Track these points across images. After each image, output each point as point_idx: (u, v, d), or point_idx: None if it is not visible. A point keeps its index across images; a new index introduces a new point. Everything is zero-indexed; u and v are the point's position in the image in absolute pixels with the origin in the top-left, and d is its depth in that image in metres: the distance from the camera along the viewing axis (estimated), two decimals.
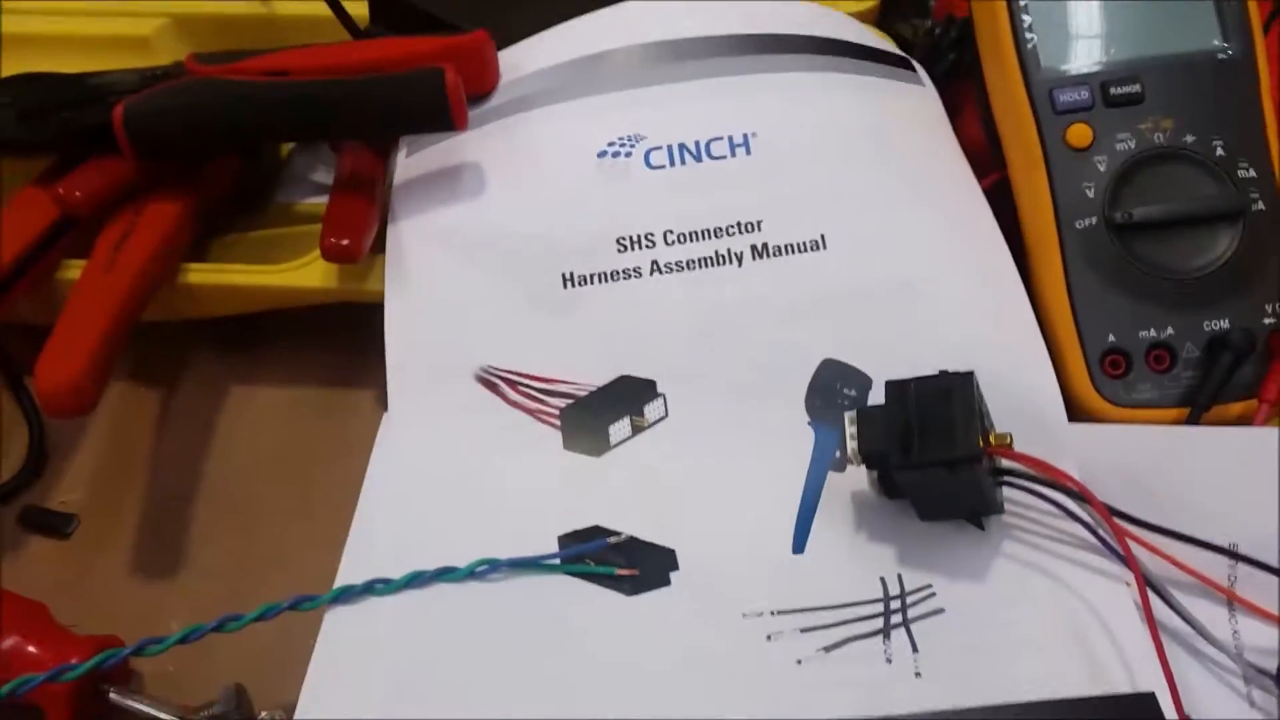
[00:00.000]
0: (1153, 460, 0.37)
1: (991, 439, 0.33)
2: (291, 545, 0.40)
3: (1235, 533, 0.36)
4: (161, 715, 0.35)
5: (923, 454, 0.32)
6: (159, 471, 0.44)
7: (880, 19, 0.55)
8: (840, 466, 0.37)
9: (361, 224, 0.42)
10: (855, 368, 0.39)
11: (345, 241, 0.41)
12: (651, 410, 0.39)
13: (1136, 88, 0.41)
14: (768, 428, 0.38)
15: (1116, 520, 0.33)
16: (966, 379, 0.33)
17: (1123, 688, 0.32)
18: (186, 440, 0.44)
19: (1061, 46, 0.42)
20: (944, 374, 0.33)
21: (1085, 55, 0.42)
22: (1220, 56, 0.41)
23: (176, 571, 0.41)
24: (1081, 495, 0.33)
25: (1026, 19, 0.41)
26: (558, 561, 0.36)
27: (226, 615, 0.34)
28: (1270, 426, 0.38)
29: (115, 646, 0.35)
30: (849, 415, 0.34)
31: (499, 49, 0.46)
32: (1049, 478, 0.33)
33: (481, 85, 0.45)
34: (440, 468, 0.38)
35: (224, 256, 0.47)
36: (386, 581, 0.35)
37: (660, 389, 0.39)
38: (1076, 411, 0.39)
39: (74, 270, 0.43)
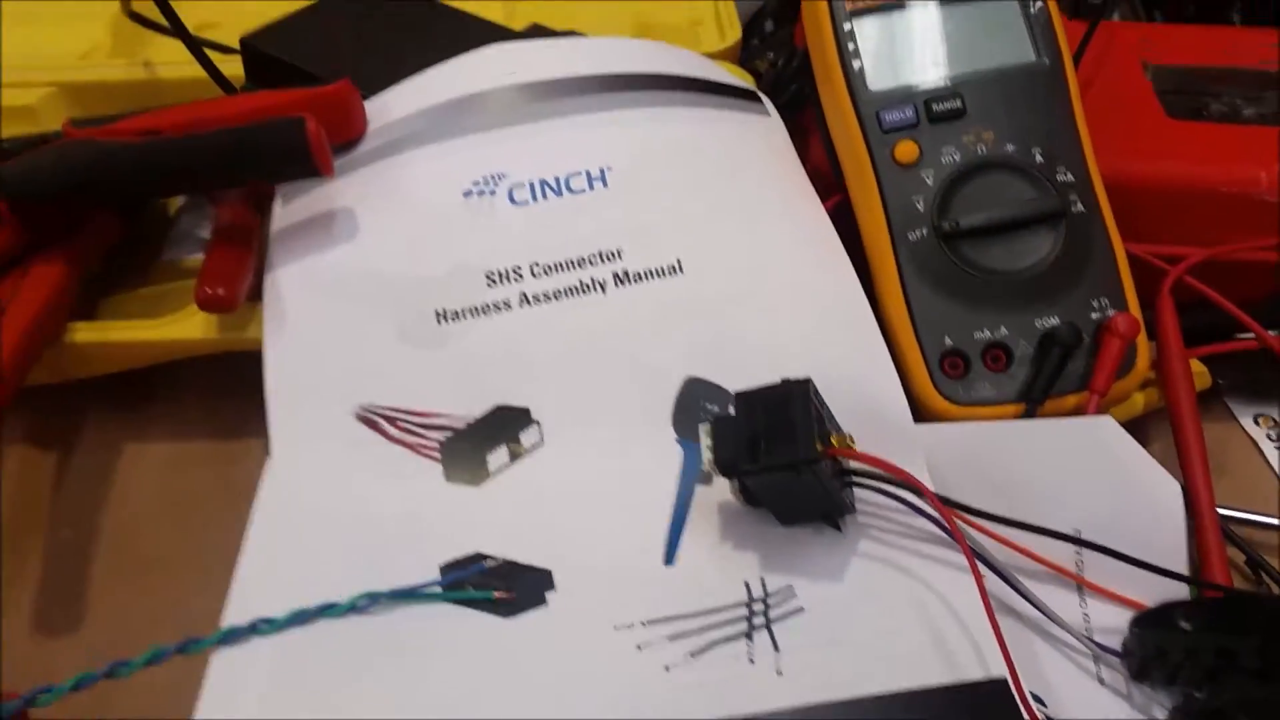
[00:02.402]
0: (997, 454, 0.37)
1: (833, 440, 0.32)
2: (185, 591, 0.39)
3: (1079, 519, 0.36)
4: None
5: (767, 458, 0.32)
6: (55, 528, 0.42)
7: (743, 56, 0.55)
8: (708, 480, 0.37)
9: (236, 273, 0.41)
10: (717, 384, 0.39)
11: (220, 290, 0.40)
12: (527, 437, 0.38)
13: (957, 103, 0.41)
14: (638, 447, 0.38)
15: (949, 508, 0.33)
16: (803, 385, 0.33)
17: (976, 674, 0.32)
18: (81, 497, 0.43)
19: (886, 68, 0.42)
20: (784, 382, 0.33)
21: (908, 75, 0.42)
22: (1034, 69, 0.42)
23: (75, 624, 0.39)
24: (916, 489, 0.33)
25: (852, 44, 0.42)
26: (438, 589, 0.35)
27: (116, 661, 0.32)
28: (1103, 415, 0.38)
29: (9, 699, 0.33)
30: (703, 427, 0.34)
31: (368, 97, 0.45)
32: (888, 474, 0.33)
33: (348, 132, 0.44)
34: (324, 507, 0.37)
35: (111, 315, 0.45)
36: (270, 621, 0.34)
37: (535, 416, 0.39)
38: (921, 412, 0.39)
39: None
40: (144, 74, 0.53)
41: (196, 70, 0.49)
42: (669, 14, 0.57)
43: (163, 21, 0.49)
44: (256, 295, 0.42)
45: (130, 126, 0.43)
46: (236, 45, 0.49)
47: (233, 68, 0.49)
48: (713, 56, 0.49)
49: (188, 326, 0.42)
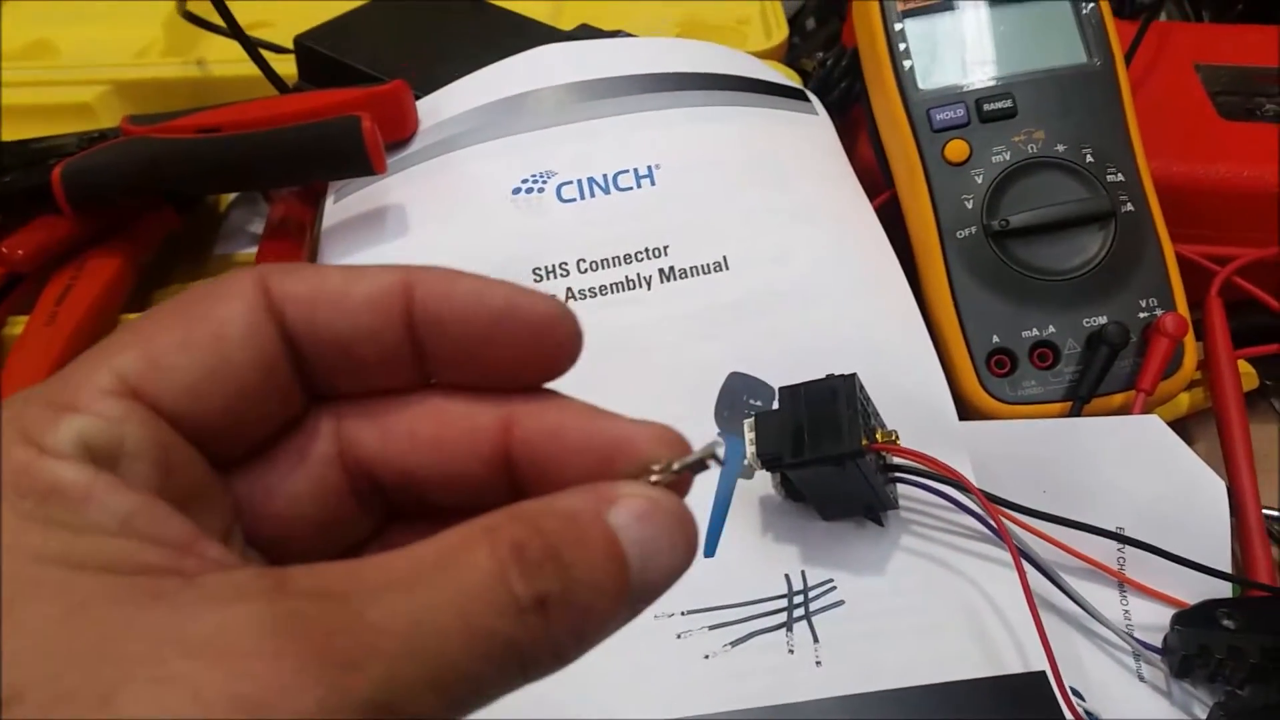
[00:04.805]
0: (1041, 452, 0.38)
1: (878, 436, 0.33)
2: None
3: (1122, 517, 0.37)
4: None
5: (812, 452, 0.33)
6: None
7: (789, 56, 0.56)
8: (749, 474, 0.38)
9: None
10: (759, 379, 0.40)
11: None
12: None
13: (1009, 103, 0.42)
14: None
15: (995, 505, 0.34)
16: (849, 380, 0.33)
17: (1015, 668, 0.33)
18: None
19: (937, 68, 0.43)
20: (830, 377, 0.34)
21: (959, 75, 0.43)
22: (1085, 70, 0.43)
23: None
24: (961, 484, 0.33)
25: (903, 44, 0.43)
26: None
27: None
28: (1149, 414, 0.39)
29: None
30: (747, 421, 0.35)
31: (421, 97, 0.47)
32: (932, 470, 0.34)
33: (401, 131, 0.46)
34: None
35: None
36: None
37: None
38: (967, 410, 0.40)
39: (18, 327, 0.43)
40: (198, 72, 0.55)
41: (249, 69, 0.51)
42: (716, 13, 0.58)
43: (216, 21, 0.51)
44: None
45: (188, 124, 0.45)
46: (289, 44, 0.51)
47: (285, 66, 0.51)
48: (759, 55, 0.50)
49: None
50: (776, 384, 0.39)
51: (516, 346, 0.19)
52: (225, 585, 0.15)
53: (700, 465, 0.18)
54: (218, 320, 0.18)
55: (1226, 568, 0.35)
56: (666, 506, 0.17)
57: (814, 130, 0.47)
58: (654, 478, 0.18)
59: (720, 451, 0.18)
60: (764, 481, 0.37)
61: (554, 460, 0.19)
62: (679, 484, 0.19)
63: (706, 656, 0.33)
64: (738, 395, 0.40)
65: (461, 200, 0.44)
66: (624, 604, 0.17)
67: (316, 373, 0.19)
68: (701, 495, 0.37)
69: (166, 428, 0.17)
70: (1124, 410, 0.39)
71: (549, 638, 0.16)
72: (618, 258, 0.43)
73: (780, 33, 0.56)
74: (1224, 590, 0.35)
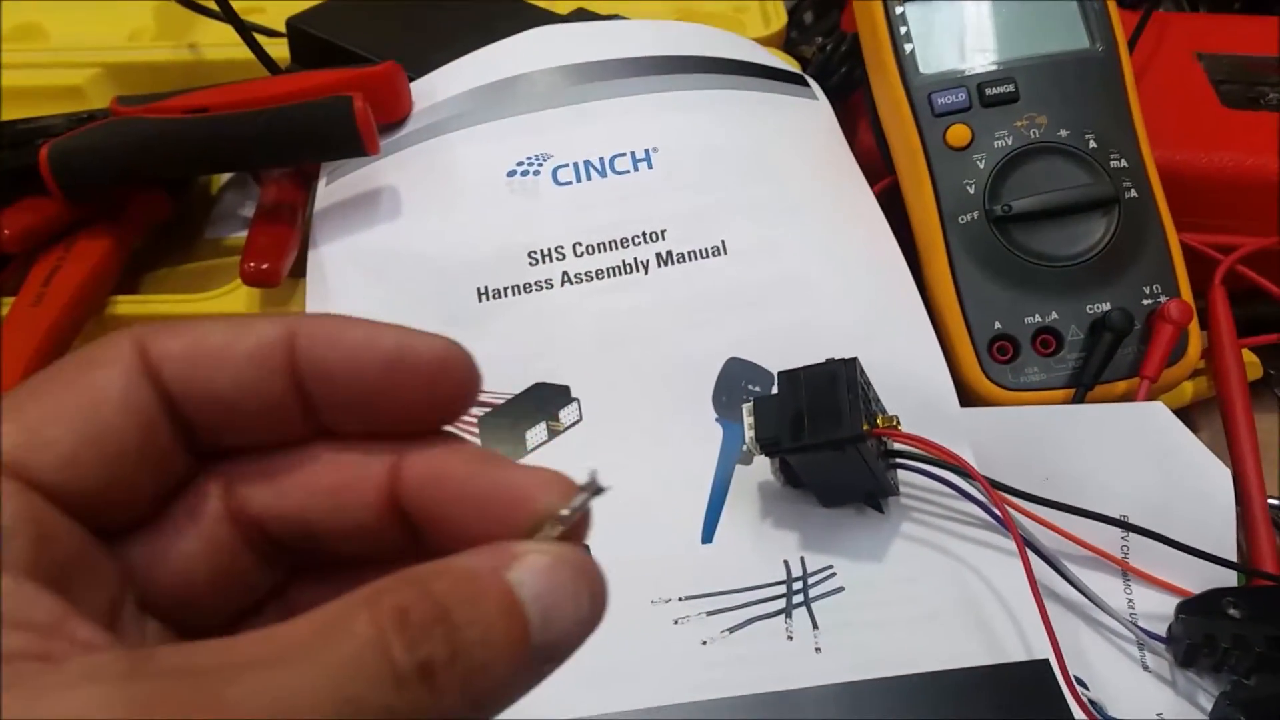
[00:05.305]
0: (1044, 439, 0.37)
1: (879, 421, 0.33)
2: None
3: (1126, 505, 0.36)
4: None
5: (811, 436, 0.32)
6: None
7: (786, 47, 0.56)
8: (747, 460, 0.37)
9: (280, 249, 0.42)
10: (758, 365, 0.39)
11: (264, 265, 0.41)
12: (566, 415, 0.39)
13: (1011, 87, 0.41)
14: (678, 426, 0.38)
15: (999, 491, 0.33)
16: (850, 364, 0.33)
17: (1018, 656, 0.33)
18: None
19: (938, 52, 0.42)
20: (830, 361, 0.33)
21: (960, 59, 0.42)
22: (1088, 55, 0.42)
23: None
24: (964, 470, 0.33)
25: (904, 28, 0.42)
26: None
27: None
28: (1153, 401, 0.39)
29: None
30: (746, 406, 0.34)
31: (415, 79, 0.46)
32: (934, 455, 0.33)
33: (394, 113, 0.45)
34: None
35: (154, 290, 0.46)
36: None
37: (574, 394, 0.39)
38: (969, 397, 0.39)
39: (4, 308, 0.43)
40: (189, 56, 0.54)
41: (241, 52, 0.50)
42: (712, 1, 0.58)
43: (209, 5, 0.50)
44: (299, 272, 0.43)
45: (178, 104, 0.44)
46: (281, 29, 0.50)
47: (277, 50, 0.50)
48: (758, 43, 0.49)
49: (231, 301, 0.43)
50: (775, 369, 0.39)
51: (409, 392, 0.19)
52: (84, 669, 0.14)
53: (588, 500, 0.18)
54: (93, 387, 0.18)
55: (1231, 556, 0.35)
56: (569, 559, 0.17)
57: (814, 115, 0.46)
58: (553, 529, 0.18)
59: (600, 479, 0.18)
60: (762, 468, 0.37)
61: (443, 508, 0.19)
62: (577, 532, 0.18)
63: (704, 642, 0.33)
64: (736, 381, 0.39)
65: (456, 183, 0.44)
66: (524, 664, 0.16)
67: (202, 431, 0.19)
68: (699, 481, 0.37)
69: (42, 502, 0.17)
70: (1128, 398, 0.39)
71: (437, 706, 0.15)
72: (614, 242, 0.42)
73: (779, 20, 0.55)
74: (1229, 579, 0.35)
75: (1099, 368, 0.38)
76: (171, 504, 0.19)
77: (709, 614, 0.33)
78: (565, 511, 0.18)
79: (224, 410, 0.19)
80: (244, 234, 0.48)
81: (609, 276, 0.42)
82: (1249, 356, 0.42)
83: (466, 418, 0.39)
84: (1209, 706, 0.32)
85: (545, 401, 0.39)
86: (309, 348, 0.18)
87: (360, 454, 0.19)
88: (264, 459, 0.19)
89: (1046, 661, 0.32)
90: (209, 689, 0.14)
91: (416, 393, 0.19)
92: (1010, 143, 0.41)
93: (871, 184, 0.44)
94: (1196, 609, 0.33)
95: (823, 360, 0.34)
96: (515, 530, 0.18)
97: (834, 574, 0.34)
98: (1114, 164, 0.41)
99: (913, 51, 0.42)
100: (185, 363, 0.18)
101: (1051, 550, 0.34)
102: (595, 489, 0.18)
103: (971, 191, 0.41)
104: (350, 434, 0.19)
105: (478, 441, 0.38)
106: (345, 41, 0.48)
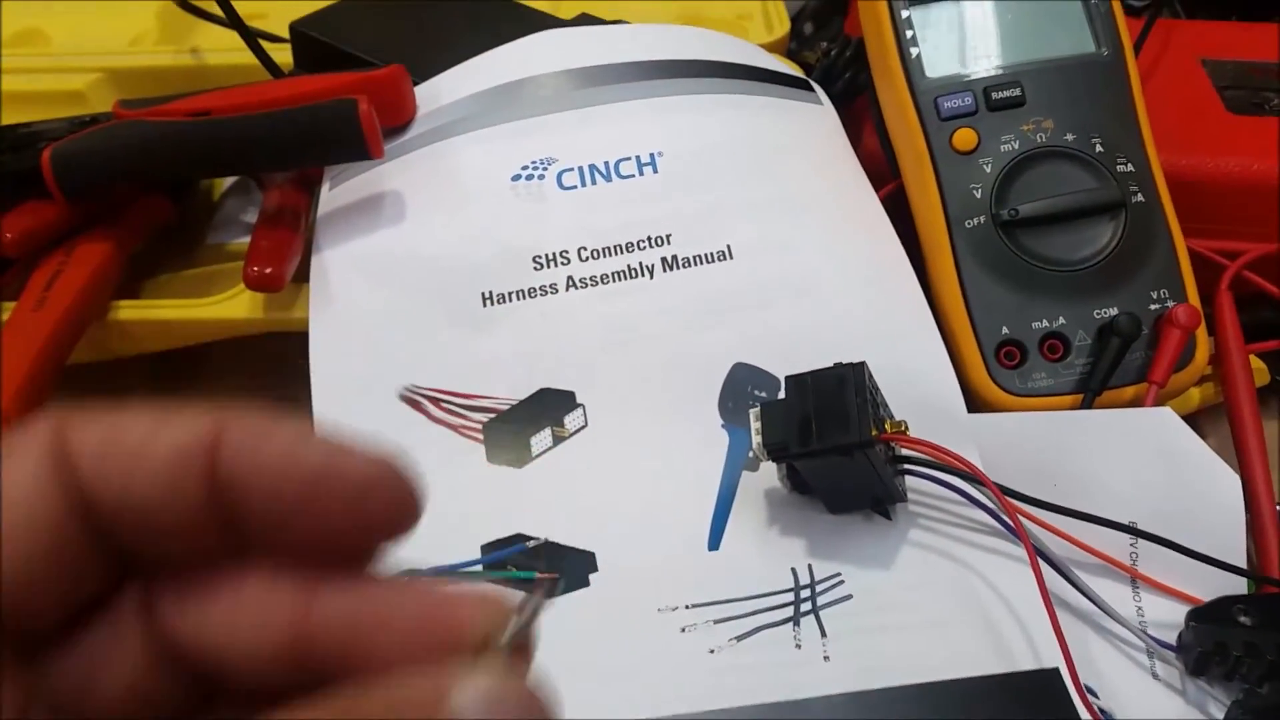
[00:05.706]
0: (1052, 445, 0.37)
1: (888, 426, 0.33)
2: None
3: (1134, 511, 0.36)
4: None
5: (819, 441, 0.32)
6: None
7: (789, 54, 0.56)
8: (754, 466, 0.37)
9: (284, 253, 0.41)
10: (764, 370, 0.39)
11: (267, 270, 0.41)
12: (571, 420, 0.39)
13: (1017, 91, 0.41)
14: (684, 431, 0.38)
15: (1009, 499, 0.33)
16: (858, 369, 0.33)
17: (1028, 664, 0.32)
18: None
19: (944, 56, 0.42)
20: (838, 365, 0.33)
21: (967, 63, 0.42)
22: (1094, 60, 0.42)
23: None
24: (974, 476, 0.33)
25: (910, 32, 0.42)
26: (479, 569, 0.35)
27: None
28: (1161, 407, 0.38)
29: None
30: (753, 411, 0.34)
31: (419, 83, 0.46)
32: (943, 461, 0.33)
33: (398, 116, 0.45)
34: None
35: (157, 295, 0.46)
36: None
37: (579, 400, 0.39)
38: (976, 403, 0.39)
39: (5, 312, 0.42)
40: (191, 61, 0.54)
41: (244, 57, 0.50)
42: (716, 7, 0.58)
43: (212, 10, 0.50)
44: (302, 276, 0.43)
45: (181, 108, 0.44)
46: (284, 34, 0.50)
47: (280, 55, 0.50)
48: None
49: (234, 306, 0.43)
50: (781, 375, 0.39)
51: (336, 515, 0.17)
52: None
53: (530, 621, 0.16)
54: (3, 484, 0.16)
55: (1241, 563, 0.35)
56: (512, 692, 0.15)
57: (818, 119, 0.46)
58: (493, 651, 0.16)
59: (543, 593, 0.17)
60: (769, 474, 0.36)
61: (362, 646, 0.17)
62: (522, 653, 0.16)
63: (712, 651, 0.32)
64: (742, 386, 0.39)
65: (460, 187, 0.44)
66: None
67: (124, 537, 0.17)
68: (705, 488, 0.37)
69: None
70: (1136, 403, 0.39)
71: None
72: (619, 246, 0.42)
73: (782, 26, 0.55)
74: (1239, 586, 0.34)
75: (1106, 373, 0.38)
76: (96, 614, 0.17)
77: (716, 622, 0.33)
78: (505, 638, 0.16)
79: (141, 515, 0.16)
80: (247, 239, 0.48)
81: (614, 281, 0.41)
82: (1256, 362, 0.42)
83: (469, 423, 0.39)
84: (1219, 715, 0.32)
85: (550, 407, 0.39)
86: (229, 456, 0.16)
87: (276, 583, 0.17)
88: (187, 576, 0.17)
89: (1056, 670, 0.31)
90: None
91: (345, 517, 0.17)
92: (1017, 147, 0.41)
93: (877, 188, 0.44)
94: (1207, 617, 0.33)
95: (830, 365, 0.34)
96: (445, 665, 0.16)
97: (842, 581, 0.34)
98: (1121, 168, 0.40)
99: (919, 55, 0.42)
100: (100, 460, 0.16)
101: (1060, 557, 0.34)
102: (536, 608, 0.16)
103: (978, 196, 0.40)
104: (280, 553, 0.17)
105: (480, 447, 0.38)
106: (349, 46, 0.48)
